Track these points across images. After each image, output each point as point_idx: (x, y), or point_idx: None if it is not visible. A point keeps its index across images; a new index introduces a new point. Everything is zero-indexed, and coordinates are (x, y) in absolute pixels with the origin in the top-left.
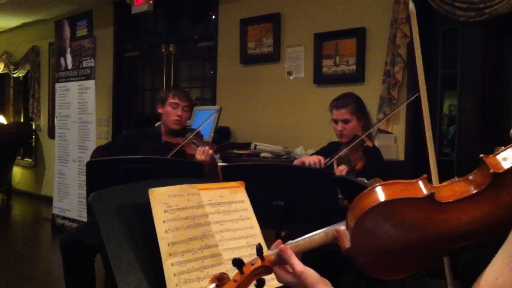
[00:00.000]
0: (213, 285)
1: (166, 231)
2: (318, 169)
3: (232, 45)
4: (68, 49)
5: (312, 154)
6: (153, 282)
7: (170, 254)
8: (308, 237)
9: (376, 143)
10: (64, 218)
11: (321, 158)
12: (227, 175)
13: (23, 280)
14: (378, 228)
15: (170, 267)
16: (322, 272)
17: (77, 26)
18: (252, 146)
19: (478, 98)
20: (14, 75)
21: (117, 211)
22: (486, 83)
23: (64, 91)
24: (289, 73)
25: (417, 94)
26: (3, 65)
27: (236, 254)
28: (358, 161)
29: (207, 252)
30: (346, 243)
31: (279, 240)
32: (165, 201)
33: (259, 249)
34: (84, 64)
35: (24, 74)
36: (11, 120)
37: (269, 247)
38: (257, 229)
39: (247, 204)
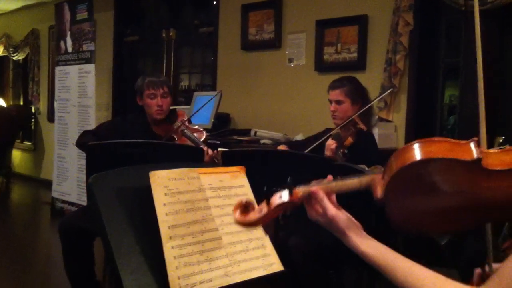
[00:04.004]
0: (238, 211)
1: (166, 214)
2: (318, 156)
3: (233, 31)
4: (68, 33)
5: (307, 138)
6: (154, 265)
7: (170, 237)
8: (340, 180)
9: (376, 132)
10: (63, 201)
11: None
12: (228, 161)
13: (23, 263)
14: (415, 183)
15: (170, 250)
16: (325, 264)
17: (77, 9)
18: (252, 133)
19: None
20: (14, 58)
21: (118, 194)
22: (488, 73)
23: (64, 75)
24: (290, 60)
25: (391, 90)
26: (2, 48)
27: (236, 238)
28: (347, 138)
29: (207, 235)
30: (379, 192)
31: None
32: (166, 184)
33: (290, 183)
34: (84, 47)
35: (23, 57)
36: (11, 103)
37: (268, 232)
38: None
39: (247, 189)
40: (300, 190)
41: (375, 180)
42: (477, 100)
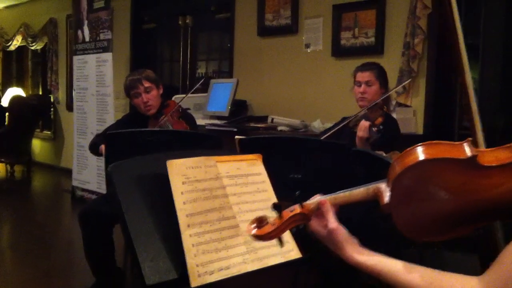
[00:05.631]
0: (254, 225)
1: (184, 203)
2: (336, 142)
3: (250, 16)
4: (86, 21)
5: (326, 130)
6: (172, 252)
7: (188, 225)
8: (348, 191)
9: (395, 117)
10: (83, 190)
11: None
12: (244, 148)
13: (44, 250)
14: (416, 186)
15: (188, 238)
16: (331, 284)
17: None
18: (269, 120)
19: (500, 69)
20: (32, 48)
21: (136, 182)
22: (509, 54)
23: (82, 64)
24: (307, 46)
25: (409, 80)
26: (21, 38)
27: None
28: (377, 118)
29: (225, 223)
30: (385, 199)
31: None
32: (183, 173)
33: (298, 197)
34: (102, 36)
35: (42, 46)
36: (30, 93)
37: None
38: (274, 201)
39: (264, 176)
40: (310, 203)
41: (381, 188)
42: (468, 100)
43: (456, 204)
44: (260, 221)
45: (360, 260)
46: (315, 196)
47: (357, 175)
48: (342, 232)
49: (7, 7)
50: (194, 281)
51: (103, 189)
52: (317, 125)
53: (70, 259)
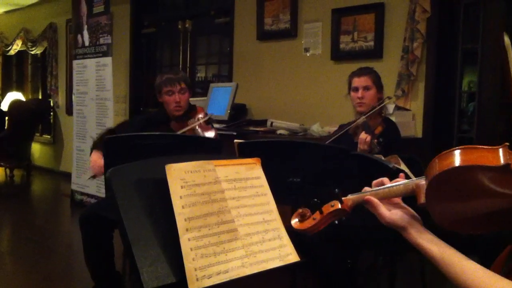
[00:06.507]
0: (296, 219)
1: (183, 207)
2: (335, 146)
3: (249, 21)
4: (85, 26)
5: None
6: (171, 257)
7: (187, 229)
8: (387, 187)
9: (394, 120)
10: (82, 193)
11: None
12: (243, 152)
13: (44, 254)
14: (451, 187)
15: (187, 242)
16: (341, 247)
17: (94, 2)
18: (269, 123)
19: (498, 74)
20: (32, 52)
21: (135, 186)
22: None
23: (82, 68)
24: (306, 50)
25: (377, 108)
26: (21, 42)
27: (252, 230)
28: (377, 126)
29: (224, 227)
30: (422, 197)
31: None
32: (182, 177)
33: (338, 193)
34: (101, 41)
35: (41, 51)
36: (30, 97)
37: (285, 224)
38: (273, 205)
39: (263, 180)
40: (350, 199)
41: (419, 186)
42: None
43: (489, 205)
44: (302, 216)
45: (419, 242)
46: (363, 190)
47: (356, 179)
48: (399, 219)
49: (7, 12)
50: (193, 285)
51: (102, 193)
52: (316, 128)
53: (69, 263)
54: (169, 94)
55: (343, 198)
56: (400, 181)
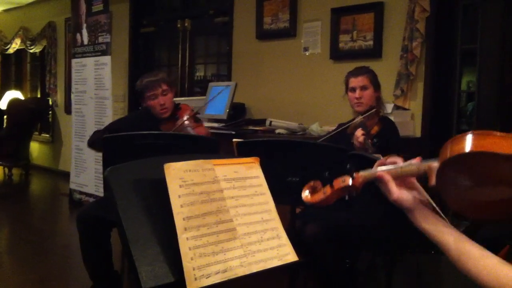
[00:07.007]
0: (307, 191)
1: (181, 206)
2: (333, 145)
3: (248, 20)
4: (84, 25)
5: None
6: (169, 256)
7: (185, 229)
8: (400, 166)
9: (393, 120)
10: (81, 193)
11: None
12: (242, 151)
13: (42, 253)
14: (460, 174)
15: (185, 241)
16: (340, 247)
17: (93, 1)
18: (267, 123)
19: (497, 74)
20: (31, 51)
21: (134, 186)
22: (506, 59)
23: (81, 67)
24: (306, 49)
25: (373, 110)
26: (19, 41)
27: (251, 229)
28: (373, 126)
29: (222, 226)
30: (433, 179)
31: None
32: (181, 176)
33: (350, 169)
34: (100, 39)
35: (40, 49)
36: (28, 96)
37: (283, 223)
38: (271, 205)
39: (261, 179)
40: (361, 175)
41: (432, 168)
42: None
43: (499, 192)
44: (313, 188)
45: (423, 226)
46: (374, 167)
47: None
48: (407, 199)
49: (5, 11)
50: (191, 285)
51: (101, 192)
52: (315, 128)
53: (67, 263)
54: (152, 98)
55: (354, 174)
56: (414, 162)
